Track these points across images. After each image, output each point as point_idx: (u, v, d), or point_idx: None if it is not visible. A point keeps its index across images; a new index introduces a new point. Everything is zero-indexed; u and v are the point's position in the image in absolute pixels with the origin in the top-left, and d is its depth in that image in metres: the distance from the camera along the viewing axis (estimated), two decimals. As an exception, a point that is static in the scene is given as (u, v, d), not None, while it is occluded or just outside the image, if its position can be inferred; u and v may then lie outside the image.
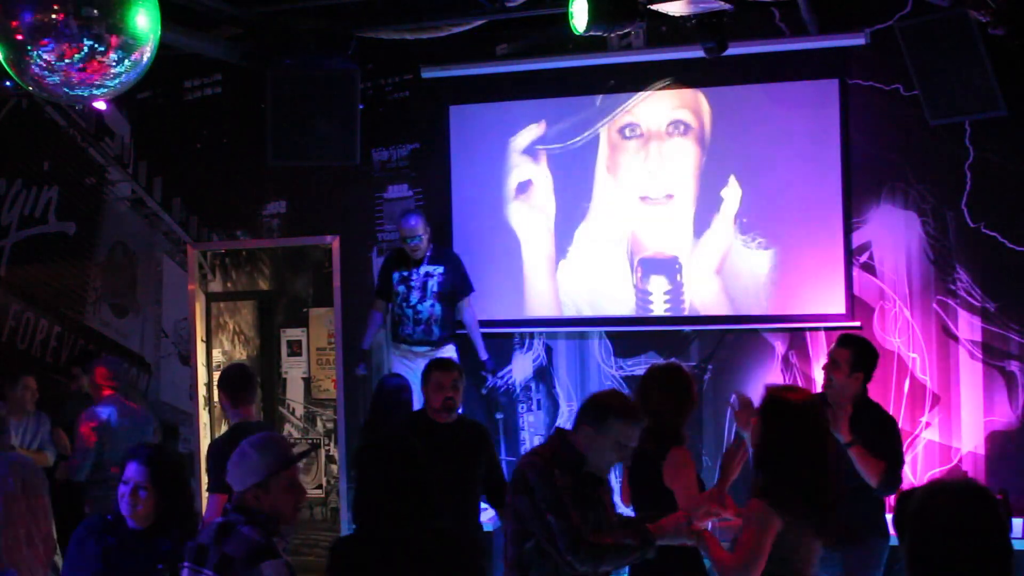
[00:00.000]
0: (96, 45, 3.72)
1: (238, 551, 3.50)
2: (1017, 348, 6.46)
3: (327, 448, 8.73)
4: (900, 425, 6.49)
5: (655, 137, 7.06)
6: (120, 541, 4.05)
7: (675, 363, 5.35)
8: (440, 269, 7.03)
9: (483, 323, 7.18)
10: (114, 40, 3.72)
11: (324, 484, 8.69)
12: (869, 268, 6.71)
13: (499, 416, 7.26)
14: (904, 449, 5.21)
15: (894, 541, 5.28)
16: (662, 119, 7.05)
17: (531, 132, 7.30)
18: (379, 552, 3.47)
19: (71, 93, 3.82)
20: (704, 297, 6.97)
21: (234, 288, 8.75)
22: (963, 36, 5.96)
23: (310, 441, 8.88)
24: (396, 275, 7.09)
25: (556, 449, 3.94)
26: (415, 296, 7.01)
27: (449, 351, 7.00)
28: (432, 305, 7.00)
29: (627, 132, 7.12)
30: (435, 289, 7.00)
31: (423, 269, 7.03)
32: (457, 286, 7.05)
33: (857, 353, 5.12)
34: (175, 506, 4.11)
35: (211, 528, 3.62)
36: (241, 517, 3.58)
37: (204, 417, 8.11)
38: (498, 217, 7.36)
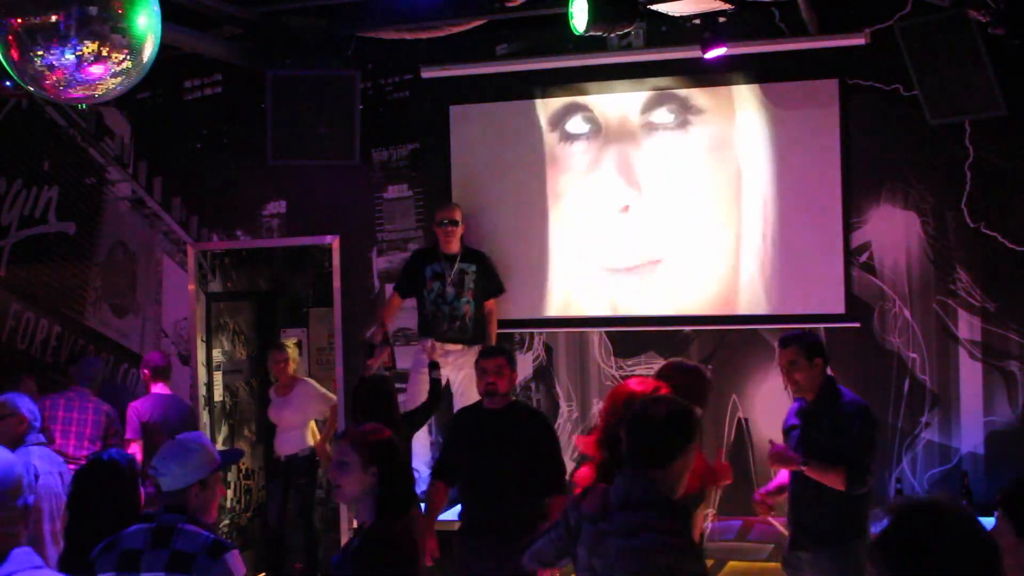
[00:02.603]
0: (96, 45, 3.72)
1: (195, 547, 3.48)
2: (1017, 348, 6.46)
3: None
4: (899, 424, 6.51)
5: (654, 135, 7.07)
6: None
7: (679, 361, 5.36)
8: (473, 267, 7.00)
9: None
10: (115, 40, 3.72)
11: (323, 484, 8.68)
12: (869, 268, 6.71)
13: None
14: (875, 439, 5.09)
15: (866, 540, 5.28)
16: (661, 117, 7.06)
17: (532, 129, 7.31)
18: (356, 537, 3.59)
19: (72, 94, 3.82)
20: (704, 297, 6.97)
21: (234, 288, 8.75)
22: (963, 36, 5.96)
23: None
24: (428, 270, 7.01)
25: None
26: (451, 293, 6.98)
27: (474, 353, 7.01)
28: (468, 302, 6.97)
29: (624, 129, 7.12)
30: (471, 286, 6.98)
31: (457, 266, 7.00)
32: (489, 287, 7.04)
33: (803, 344, 5.10)
34: None
35: (138, 533, 3.56)
36: (179, 516, 3.56)
37: (204, 417, 8.11)
38: (498, 216, 7.36)
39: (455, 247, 7.00)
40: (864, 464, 4.94)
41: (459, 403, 7.03)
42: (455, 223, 6.96)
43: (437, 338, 6.98)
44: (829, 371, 5.22)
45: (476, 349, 6.96)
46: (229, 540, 3.64)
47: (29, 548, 2.45)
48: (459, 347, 6.96)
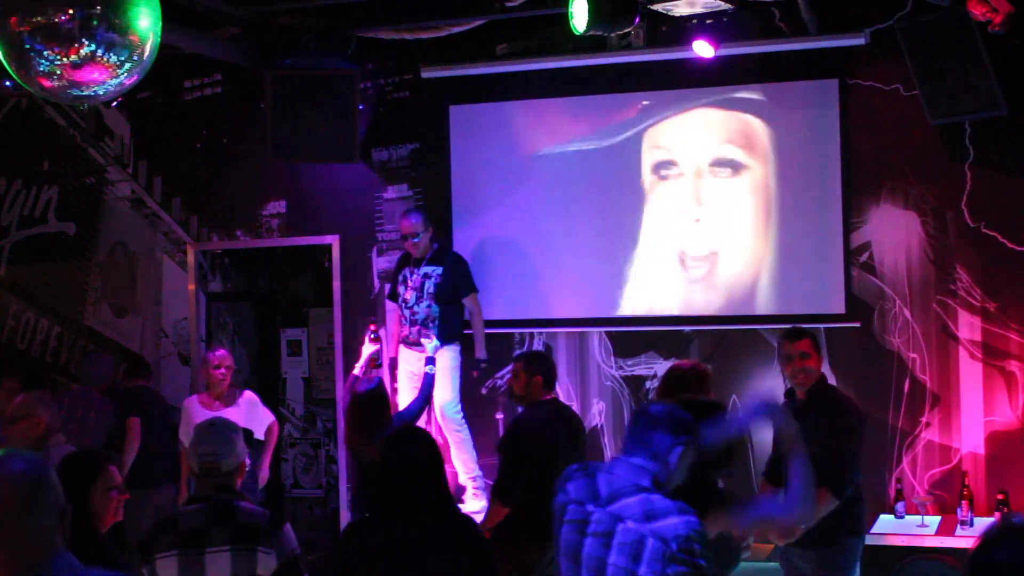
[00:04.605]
0: (97, 45, 3.72)
1: (257, 520, 3.65)
2: (1017, 348, 6.46)
3: (327, 448, 8.73)
4: (899, 424, 6.52)
5: (653, 135, 7.08)
6: None
7: (678, 362, 5.36)
8: (438, 270, 7.00)
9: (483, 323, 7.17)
10: (115, 40, 3.72)
11: (324, 484, 8.69)
12: (869, 268, 6.71)
13: (499, 416, 7.26)
14: (857, 438, 5.01)
15: (867, 540, 5.27)
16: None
17: (532, 129, 7.31)
18: (392, 537, 3.50)
19: (72, 94, 3.83)
20: (704, 297, 6.97)
21: (234, 288, 8.75)
22: (963, 36, 5.96)
23: (309, 441, 8.88)
24: (400, 276, 7.11)
25: None
26: (412, 297, 7.00)
27: (446, 352, 6.90)
28: (428, 306, 6.97)
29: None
30: (431, 290, 6.97)
31: (422, 270, 7.02)
32: (458, 286, 7.02)
33: (814, 338, 5.09)
34: None
35: (193, 514, 3.67)
36: (234, 495, 3.71)
37: (204, 417, 8.11)
38: (498, 216, 7.36)
39: (420, 253, 7.04)
40: (842, 473, 4.85)
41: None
42: (418, 237, 6.98)
43: (401, 341, 7.10)
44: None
45: (451, 349, 6.93)
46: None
47: (69, 553, 2.39)
48: (420, 349, 6.81)
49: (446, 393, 7.01)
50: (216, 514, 3.64)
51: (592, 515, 3.28)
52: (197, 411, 6.84)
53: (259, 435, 7.00)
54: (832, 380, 5.82)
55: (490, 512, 5.53)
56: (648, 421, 3.39)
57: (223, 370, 6.86)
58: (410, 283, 7.02)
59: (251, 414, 6.92)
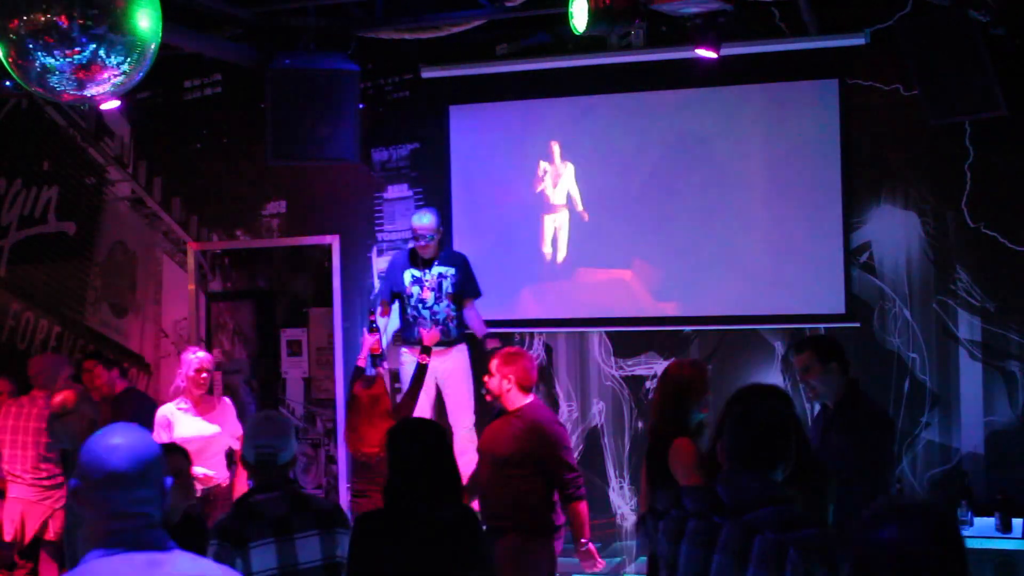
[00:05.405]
0: (97, 45, 3.72)
1: (330, 505, 3.93)
2: (1017, 348, 6.46)
3: (327, 448, 8.72)
4: (899, 424, 6.51)
5: (654, 135, 7.07)
6: None
7: (677, 360, 5.36)
8: (452, 271, 7.00)
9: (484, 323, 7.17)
10: (115, 40, 3.72)
11: (324, 484, 8.68)
12: (869, 268, 6.71)
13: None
14: (892, 452, 5.01)
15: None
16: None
17: (531, 129, 7.31)
18: (401, 527, 3.57)
19: (73, 94, 3.82)
20: (704, 297, 6.97)
21: (234, 288, 8.74)
22: (963, 36, 5.96)
23: (309, 441, 8.87)
24: (409, 276, 7.04)
25: None
26: (431, 297, 7.00)
27: (462, 351, 7.03)
28: (448, 306, 6.99)
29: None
30: (449, 290, 6.98)
31: (435, 270, 7.01)
32: (465, 288, 7.02)
33: (818, 348, 4.99)
34: None
35: (273, 501, 3.78)
36: (298, 485, 3.93)
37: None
38: (498, 216, 7.36)
39: (431, 254, 7.00)
40: (881, 486, 4.81)
41: (448, 399, 7.05)
42: (432, 237, 6.94)
43: (418, 342, 6.93)
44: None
45: (457, 347, 6.96)
46: None
47: (162, 529, 2.41)
48: (442, 348, 6.93)
49: (467, 398, 7.06)
50: (294, 502, 3.77)
51: (722, 528, 3.14)
52: (183, 423, 6.37)
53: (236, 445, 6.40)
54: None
55: (584, 518, 5.38)
56: (767, 427, 3.27)
57: (206, 374, 6.41)
58: (426, 284, 7.00)
59: (231, 417, 6.59)
